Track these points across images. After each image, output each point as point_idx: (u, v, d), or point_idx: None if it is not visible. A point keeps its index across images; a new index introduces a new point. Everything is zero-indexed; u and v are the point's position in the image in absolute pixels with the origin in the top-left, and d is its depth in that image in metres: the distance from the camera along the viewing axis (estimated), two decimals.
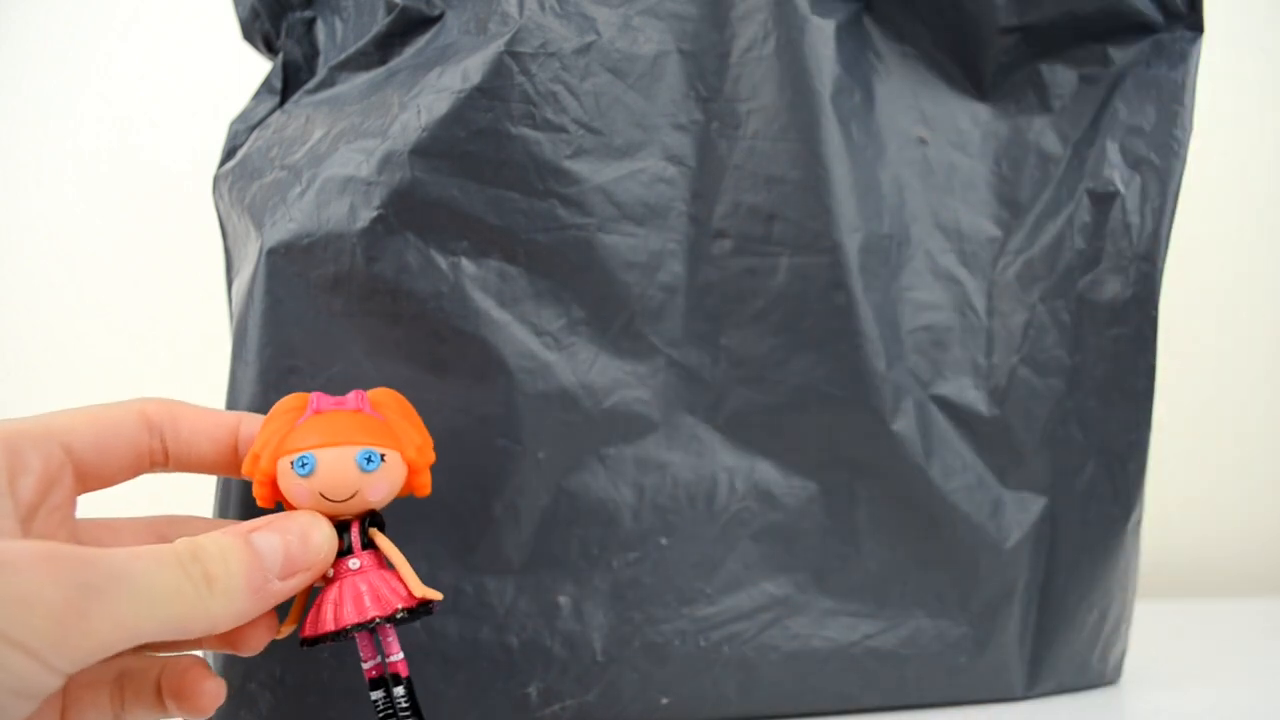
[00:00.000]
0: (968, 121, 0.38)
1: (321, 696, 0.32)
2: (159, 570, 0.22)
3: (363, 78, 0.34)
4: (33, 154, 0.60)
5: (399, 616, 0.27)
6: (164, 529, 0.29)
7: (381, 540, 0.28)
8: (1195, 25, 0.39)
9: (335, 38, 0.37)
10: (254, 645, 0.27)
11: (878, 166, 0.37)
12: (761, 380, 0.36)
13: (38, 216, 0.60)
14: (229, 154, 0.36)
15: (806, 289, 0.35)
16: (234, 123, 0.37)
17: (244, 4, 0.38)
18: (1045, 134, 0.39)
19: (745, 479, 0.36)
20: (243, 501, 0.32)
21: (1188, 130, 0.38)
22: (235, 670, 0.32)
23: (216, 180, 0.35)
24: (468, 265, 0.33)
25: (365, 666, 0.28)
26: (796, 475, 0.36)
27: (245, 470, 0.28)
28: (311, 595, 0.28)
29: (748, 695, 0.36)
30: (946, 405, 0.38)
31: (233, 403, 0.32)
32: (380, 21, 0.34)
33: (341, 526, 0.28)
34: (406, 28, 0.34)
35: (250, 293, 0.32)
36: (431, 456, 0.29)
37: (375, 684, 0.28)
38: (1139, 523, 0.40)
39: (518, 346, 0.33)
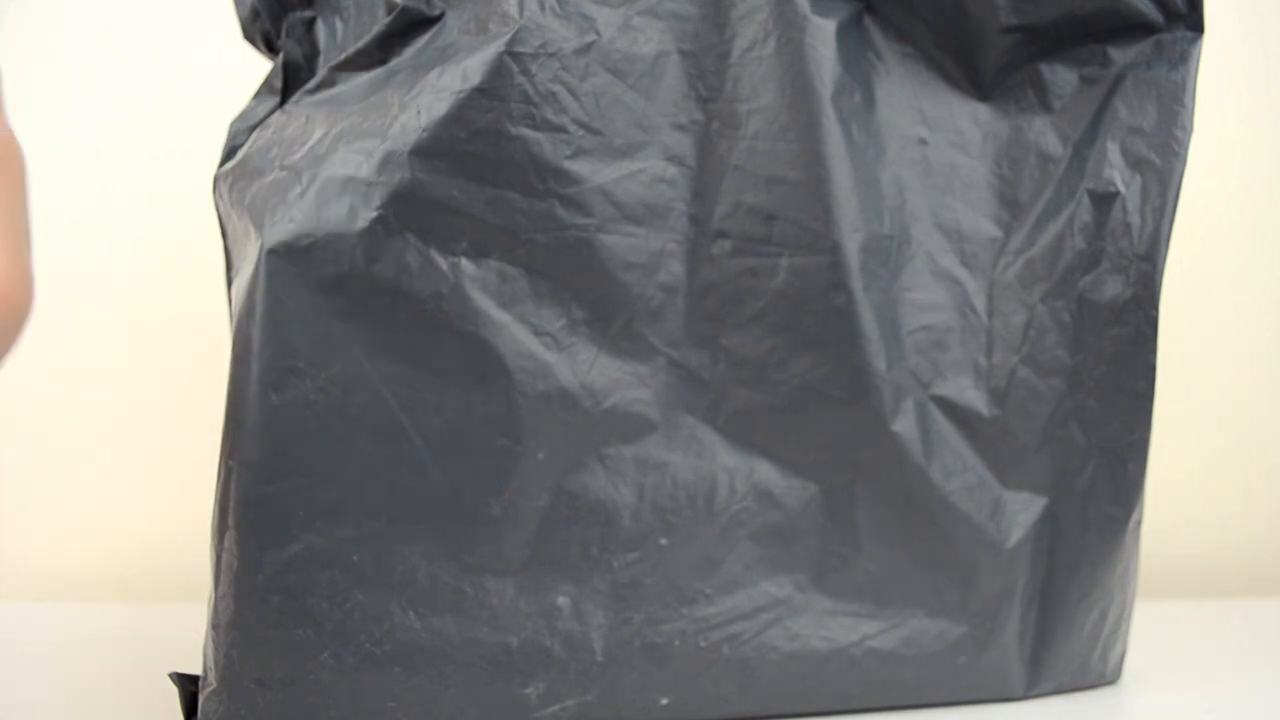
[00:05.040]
0: (968, 121, 0.38)
1: (321, 696, 0.32)
2: None
3: (363, 78, 0.34)
4: (30, 154, 0.60)
5: None
6: None
7: None
8: (1195, 25, 0.39)
9: (335, 38, 0.37)
10: None
11: (878, 166, 0.37)
12: (761, 381, 0.36)
13: (36, 215, 0.60)
14: (229, 154, 0.36)
15: (806, 289, 0.35)
16: (234, 123, 0.37)
17: (244, 4, 0.38)
18: (1045, 134, 0.39)
19: (745, 479, 0.36)
20: (242, 502, 0.32)
21: (1188, 130, 0.38)
22: (234, 669, 0.32)
23: (216, 180, 0.35)
24: (468, 265, 0.33)
25: None
26: (796, 475, 0.36)
27: None
28: None
29: (748, 695, 0.36)
30: (946, 405, 0.38)
31: (233, 403, 0.32)
32: (380, 21, 0.34)
33: None
34: (407, 28, 0.34)
35: (250, 293, 0.32)
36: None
37: None
38: (1139, 523, 0.40)
39: (518, 347, 0.33)
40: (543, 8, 0.33)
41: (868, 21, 0.37)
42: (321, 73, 0.34)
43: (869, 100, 0.37)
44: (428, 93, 0.33)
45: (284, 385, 0.32)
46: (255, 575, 0.32)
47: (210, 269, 0.47)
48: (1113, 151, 0.38)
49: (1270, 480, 0.67)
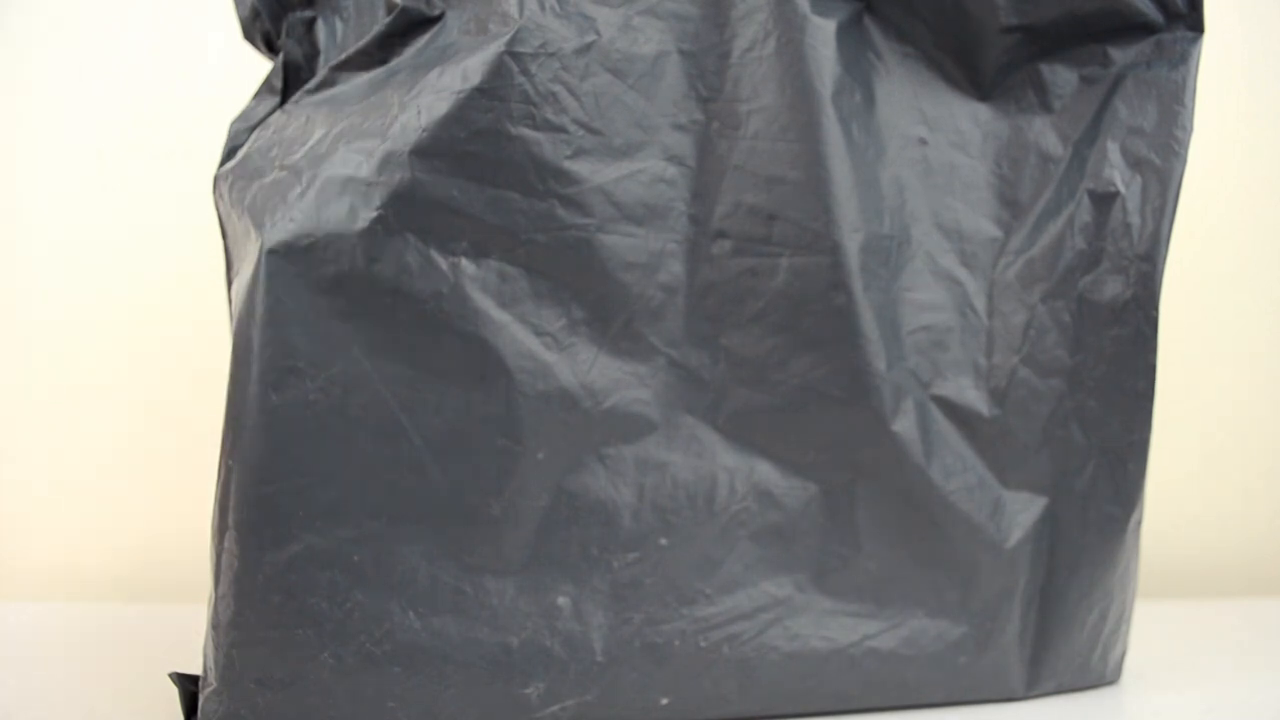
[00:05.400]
0: (968, 121, 0.38)
1: (321, 696, 0.32)
2: None
3: (363, 78, 0.34)
4: (30, 154, 0.60)
5: None
6: None
7: None
8: (1195, 25, 0.39)
9: (336, 38, 0.37)
10: None
11: (878, 166, 0.37)
12: (761, 381, 0.36)
13: (36, 216, 0.60)
14: (229, 154, 0.36)
15: (806, 289, 0.35)
16: (234, 123, 0.37)
17: (244, 4, 0.38)
18: (1046, 134, 0.39)
19: (745, 479, 0.36)
20: (242, 502, 0.32)
21: (1188, 130, 0.38)
22: (234, 669, 0.32)
23: (216, 180, 0.35)
24: (468, 265, 0.33)
25: None
26: (796, 475, 0.36)
27: None
28: None
29: (748, 695, 0.36)
30: (947, 405, 0.38)
31: (233, 403, 0.32)
32: (380, 21, 0.34)
33: None
34: (407, 28, 0.34)
35: (250, 293, 0.32)
36: None
37: None
38: (1139, 523, 0.40)
39: (518, 347, 0.33)
40: (543, 8, 0.33)
41: (868, 21, 0.37)
42: (321, 73, 0.34)
43: (869, 100, 0.37)
44: (428, 93, 0.33)
45: (284, 385, 0.32)
46: (255, 575, 0.32)
47: (210, 269, 0.47)
48: (1113, 151, 0.38)
49: (1270, 480, 0.67)
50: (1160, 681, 0.43)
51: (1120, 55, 0.39)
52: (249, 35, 0.38)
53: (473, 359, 0.33)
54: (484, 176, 0.33)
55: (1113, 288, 0.38)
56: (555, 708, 0.34)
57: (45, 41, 0.60)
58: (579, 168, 0.34)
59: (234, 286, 0.34)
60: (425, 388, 0.33)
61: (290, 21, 0.37)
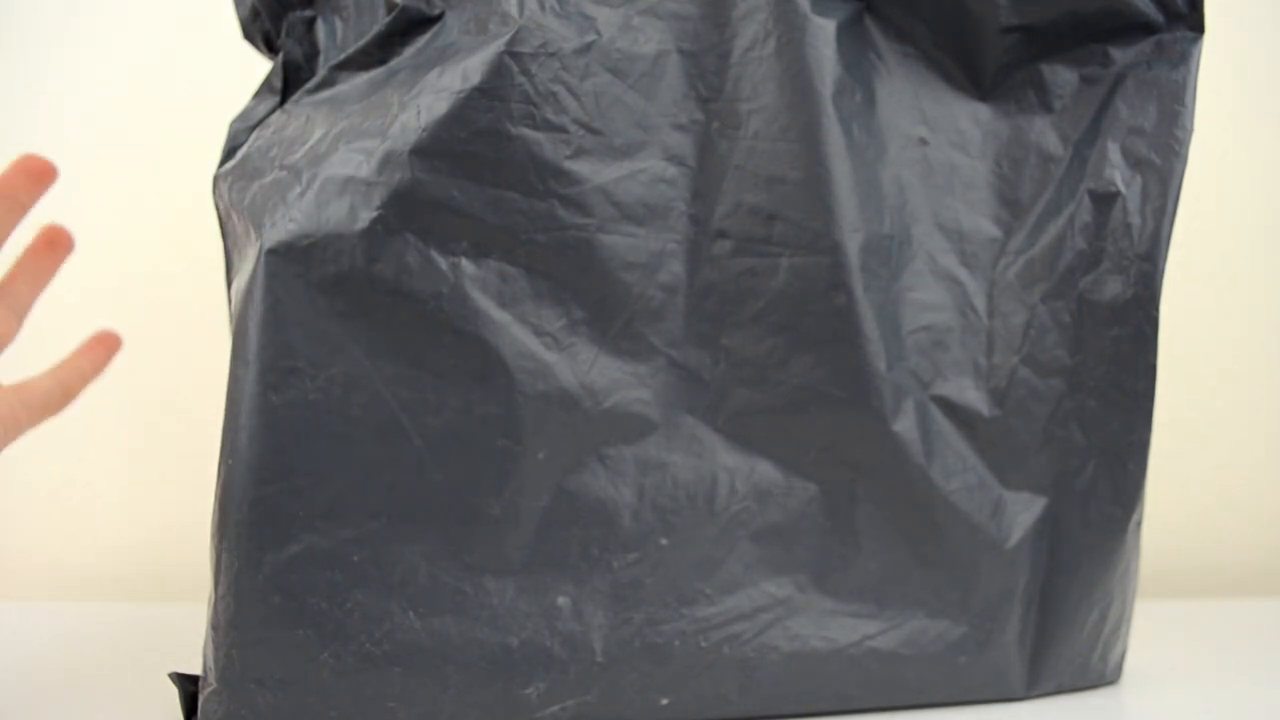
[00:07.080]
0: (968, 121, 0.38)
1: (321, 696, 0.32)
2: None
3: (363, 78, 0.34)
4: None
5: None
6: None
7: None
8: (1196, 25, 0.39)
9: (335, 37, 0.37)
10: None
11: (878, 166, 0.37)
12: (762, 381, 0.36)
13: (35, 215, 0.60)
14: (229, 154, 0.36)
15: (807, 289, 0.35)
16: (234, 123, 0.37)
17: (244, 4, 0.38)
18: (1046, 134, 0.39)
19: (745, 479, 0.36)
20: (242, 502, 0.32)
21: (1188, 130, 0.38)
22: (234, 669, 0.32)
23: (216, 180, 0.35)
24: (468, 265, 0.33)
25: None
26: (796, 476, 0.36)
27: None
28: None
29: (748, 696, 0.36)
30: (947, 406, 0.38)
31: (233, 403, 0.32)
32: (380, 21, 0.34)
33: None
34: (407, 28, 0.34)
35: (250, 293, 0.32)
36: None
37: None
38: (1139, 523, 0.40)
39: (518, 347, 0.33)
40: (543, 8, 0.33)
41: (868, 21, 0.37)
42: (321, 72, 0.34)
43: (869, 100, 0.37)
44: (428, 92, 0.33)
45: (284, 385, 0.32)
46: (255, 575, 0.32)
47: (210, 269, 0.47)
48: (1113, 151, 0.38)
49: (1270, 480, 0.67)
50: (1160, 681, 0.43)
51: (1121, 55, 0.39)
52: (249, 35, 0.38)
53: (473, 359, 0.33)
54: (484, 176, 0.33)
55: (1113, 288, 0.38)
56: (555, 708, 0.34)
57: (46, 41, 0.60)
58: (579, 168, 0.34)
59: (234, 286, 0.34)
60: (425, 388, 0.33)
61: (290, 21, 0.37)
